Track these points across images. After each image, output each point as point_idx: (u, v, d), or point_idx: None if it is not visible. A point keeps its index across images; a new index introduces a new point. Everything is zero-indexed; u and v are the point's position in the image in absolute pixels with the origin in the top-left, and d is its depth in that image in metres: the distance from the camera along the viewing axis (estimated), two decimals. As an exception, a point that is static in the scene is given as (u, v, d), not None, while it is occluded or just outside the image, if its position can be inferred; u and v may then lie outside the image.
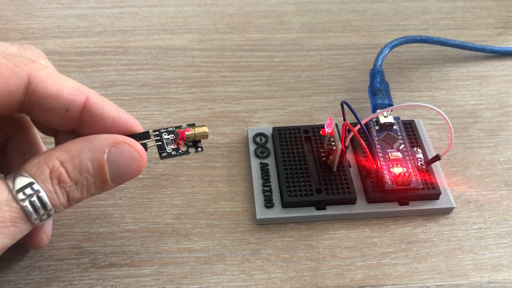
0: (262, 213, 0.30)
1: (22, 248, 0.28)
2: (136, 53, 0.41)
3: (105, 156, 0.24)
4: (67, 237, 0.29)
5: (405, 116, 0.36)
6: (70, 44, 0.41)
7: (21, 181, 0.22)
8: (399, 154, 0.32)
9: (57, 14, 0.44)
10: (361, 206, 0.31)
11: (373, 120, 0.34)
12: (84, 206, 0.31)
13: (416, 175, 0.31)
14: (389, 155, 0.32)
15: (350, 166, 0.32)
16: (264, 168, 0.32)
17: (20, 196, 0.22)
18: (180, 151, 0.27)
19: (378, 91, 0.34)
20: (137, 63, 0.40)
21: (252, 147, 0.33)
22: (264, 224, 0.30)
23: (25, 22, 0.43)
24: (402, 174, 0.30)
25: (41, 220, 0.23)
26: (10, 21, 0.43)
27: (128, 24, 0.43)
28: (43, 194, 0.22)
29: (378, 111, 0.32)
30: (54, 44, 0.41)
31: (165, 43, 0.42)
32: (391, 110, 0.34)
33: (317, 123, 0.35)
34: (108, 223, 0.30)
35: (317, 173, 0.31)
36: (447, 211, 0.31)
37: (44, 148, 0.29)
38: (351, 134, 0.30)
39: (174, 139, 0.27)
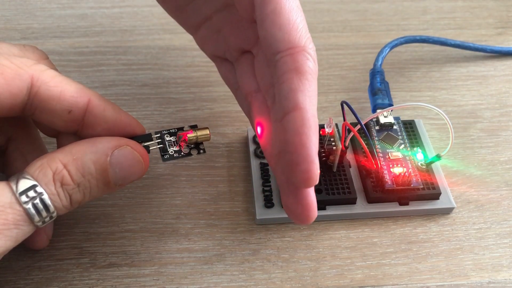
0: (262, 213, 0.30)
1: (22, 248, 0.28)
2: (136, 53, 0.40)
3: (108, 159, 0.24)
4: (67, 237, 0.29)
5: (405, 116, 0.36)
6: (70, 44, 0.41)
7: (24, 184, 0.22)
8: (399, 154, 0.32)
9: (57, 14, 0.44)
10: (361, 206, 0.31)
11: (373, 120, 0.34)
12: (84, 206, 0.31)
13: (416, 175, 0.31)
14: (389, 155, 0.32)
15: (350, 166, 0.32)
16: (264, 168, 0.32)
17: (23, 198, 0.22)
18: (182, 153, 0.27)
19: (378, 91, 0.34)
20: (137, 63, 0.40)
21: (252, 147, 0.33)
22: (264, 224, 0.30)
23: (25, 22, 0.43)
24: (402, 174, 0.30)
25: (43, 222, 0.23)
26: (10, 21, 0.43)
27: (128, 24, 0.43)
28: (46, 197, 0.22)
29: (378, 111, 0.32)
30: (54, 44, 0.41)
31: (165, 43, 0.41)
32: (391, 110, 0.34)
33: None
34: (108, 223, 0.30)
35: (317, 173, 0.31)
36: (447, 211, 0.31)
37: (45, 149, 0.29)
38: (351, 134, 0.30)
39: (176, 141, 0.27)
